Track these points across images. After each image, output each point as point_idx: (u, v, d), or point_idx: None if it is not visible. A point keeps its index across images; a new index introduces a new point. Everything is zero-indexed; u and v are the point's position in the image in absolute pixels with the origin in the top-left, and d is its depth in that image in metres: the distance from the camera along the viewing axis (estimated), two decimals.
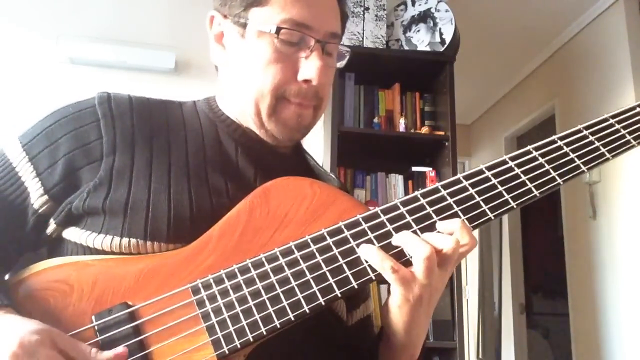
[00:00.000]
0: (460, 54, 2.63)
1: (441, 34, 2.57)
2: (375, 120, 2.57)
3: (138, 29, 3.29)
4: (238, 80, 0.74)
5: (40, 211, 0.66)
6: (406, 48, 2.61)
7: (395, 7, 2.69)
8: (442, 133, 2.50)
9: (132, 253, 0.63)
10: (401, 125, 2.55)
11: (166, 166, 0.67)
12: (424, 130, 2.56)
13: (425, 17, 2.62)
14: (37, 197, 0.66)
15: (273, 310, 0.58)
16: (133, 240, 0.62)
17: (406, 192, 2.55)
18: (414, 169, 2.56)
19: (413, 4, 2.66)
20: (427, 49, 2.57)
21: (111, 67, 3.40)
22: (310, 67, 0.70)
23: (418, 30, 2.62)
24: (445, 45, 2.54)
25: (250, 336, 0.57)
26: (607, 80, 3.01)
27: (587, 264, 3.11)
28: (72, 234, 0.65)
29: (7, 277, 0.63)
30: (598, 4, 3.04)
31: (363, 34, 2.59)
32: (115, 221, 0.63)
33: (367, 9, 2.62)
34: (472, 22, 3.03)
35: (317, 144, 2.74)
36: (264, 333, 0.57)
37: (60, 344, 0.52)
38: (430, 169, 2.55)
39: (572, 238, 3.30)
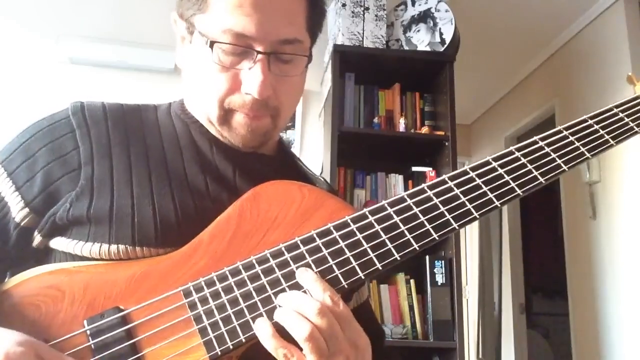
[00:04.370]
0: (460, 54, 2.63)
1: (441, 34, 2.57)
2: (375, 120, 2.57)
3: (138, 29, 3.29)
4: (192, 85, 0.74)
5: (22, 224, 0.67)
6: (406, 48, 2.61)
7: (395, 7, 2.69)
8: (442, 133, 2.50)
9: (122, 259, 0.63)
10: (401, 125, 2.55)
11: (146, 171, 0.68)
12: (424, 130, 2.56)
13: (425, 17, 2.62)
14: (17, 211, 0.66)
15: (264, 311, 0.58)
16: (122, 247, 0.63)
17: None
18: (414, 169, 2.56)
19: (413, 4, 2.66)
20: (427, 49, 2.58)
21: (111, 67, 3.40)
22: (250, 81, 0.66)
23: (418, 30, 2.62)
24: (445, 45, 2.54)
25: (242, 337, 0.57)
26: (607, 80, 3.01)
27: (587, 264, 3.11)
28: (59, 243, 0.66)
29: None
30: (598, 4, 3.05)
31: (363, 34, 2.59)
32: (102, 229, 0.64)
33: (367, 9, 2.62)
34: (472, 22, 3.03)
35: (317, 144, 2.74)
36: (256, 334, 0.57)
37: (45, 356, 0.52)
38: (430, 169, 2.55)
39: (572, 238, 3.30)
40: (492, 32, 3.34)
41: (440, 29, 2.58)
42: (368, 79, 2.61)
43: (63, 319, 0.57)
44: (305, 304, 0.56)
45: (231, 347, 0.57)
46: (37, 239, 0.67)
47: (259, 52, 0.66)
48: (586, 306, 3.10)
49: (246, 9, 0.65)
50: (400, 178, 2.57)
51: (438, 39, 2.57)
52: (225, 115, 0.70)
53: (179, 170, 0.69)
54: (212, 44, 0.66)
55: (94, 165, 0.66)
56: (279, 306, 0.58)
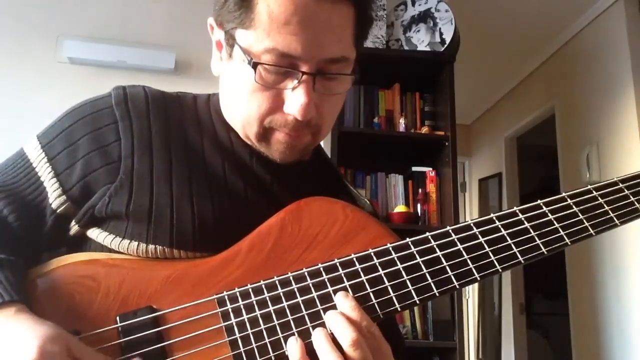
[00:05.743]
0: (460, 54, 2.63)
1: (441, 34, 2.57)
2: (375, 120, 2.57)
3: (138, 29, 3.29)
4: (229, 98, 0.72)
5: (58, 211, 0.66)
6: (406, 48, 2.61)
7: (395, 7, 2.69)
8: (442, 133, 2.50)
9: (158, 258, 0.63)
10: (401, 125, 2.55)
11: (186, 170, 0.67)
12: (424, 130, 2.56)
13: (425, 17, 2.62)
14: (55, 198, 0.66)
15: (297, 332, 0.58)
16: (159, 248, 0.63)
17: (406, 192, 2.55)
18: (414, 169, 2.56)
19: (413, 4, 2.66)
20: (427, 49, 2.57)
21: (111, 67, 3.40)
22: (294, 102, 0.63)
23: (418, 30, 2.62)
24: (445, 45, 2.54)
25: (272, 354, 0.57)
26: (607, 80, 3.01)
27: (587, 264, 3.11)
28: (95, 234, 0.66)
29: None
30: (598, 4, 3.05)
31: None
32: (140, 227, 0.63)
33: None
34: (472, 22, 3.03)
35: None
36: (286, 353, 0.57)
37: (77, 353, 0.52)
38: (430, 169, 2.55)
39: None
40: (492, 32, 3.34)
41: (440, 29, 2.58)
42: (368, 79, 2.61)
43: (96, 311, 0.57)
44: (342, 332, 0.55)
45: None
46: (75, 228, 0.67)
47: (304, 73, 0.63)
48: (586, 306, 3.10)
49: (293, 27, 0.61)
50: (400, 178, 2.57)
51: (438, 39, 2.57)
52: (265, 133, 0.68)
53: (218, 173, 0.68)
54: (255, 64, 0.62)
55: (134, 159, 0.66)
56: (315, 326, 0.57)
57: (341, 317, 0.56)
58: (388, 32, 2.64)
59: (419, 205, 2.50)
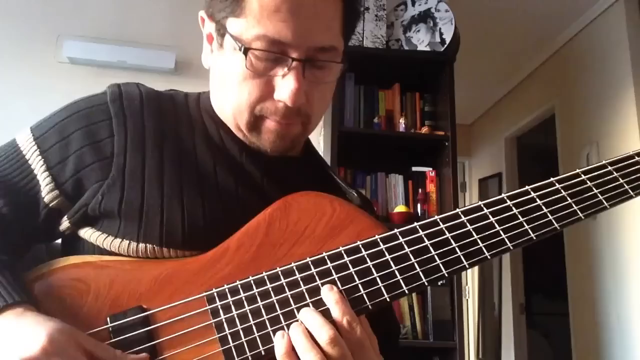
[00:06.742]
0: (460, 54, 2.63)
1: (441, 34, 2.57)
2: (375, 120, 2.57)
3: (138, 29, 3.29)
4: (220, 89, 0.72)
5: (51, 205, 0.67)
6: (406, 48, 2.61)
7: (395, 7, 2.69)
8: (442, 133, 2.50)
9: (148, 257, 0.64)
10: (401, 125, 2.55)
11: (177, 169, 0.67)
12: (424, 130, 2.56)
13: (425, 17, 2.62)
14: (47, 192, 0.66)
15: (286, 325, 0.58)
16: (149, 246, 0.63)
17: (406, 192, 2.55)
18: (414, 169, 2.56)
19: (413, 4, 2.66)
20: (427, 49, 2.58)
21: (111, 67, 3.40)
22: (284, 88, 0.65)
23: (418, 30, 2.62)
24: (445, 45, 2.54)
25: (261, 349, 0.57)
26: (607, 80, 3.01)
27: (587, 264, 3.11)
28: (88, 234, 0.66)
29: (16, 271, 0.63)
30: (598, 4, 3.05)
31: (363, 34, 2.59)
32: (131, 226, 0.64)
33: (367, 9, 2.62)
34: (472, 22, 3.03)
35: (317, 144, 2.75)
36: None
37: (85, 345, 0.53)
38: (430, 169, 2.55)
39: (572, 238, 3.31)
40: (492, 32, 3.34)
41: (440, 29, 2.58)
42: (368, 79, 2.61)
43: (87, 313, 0.58)
44: (319, 330, 0.55)
45: (250, 358, 0.56)
46: (65, 224, 0.67)
47: (293, 59, 0.64)
48: (586, 306, 3.11)
49: (283, 14, 0.63)
50: (400, 178, 2.57)
51: (438, 39, 2.57)
52: (255, 122, 0.68)
53: (209, 171, 0.69)
54: (246, 50, 0.63)
55: (126, 156, 0.66)
56: (298, 322, 0.57)
57: (318, 316, 0.56)
58: (388, 32, 2.64)
59: (419, 205, 2.51)
